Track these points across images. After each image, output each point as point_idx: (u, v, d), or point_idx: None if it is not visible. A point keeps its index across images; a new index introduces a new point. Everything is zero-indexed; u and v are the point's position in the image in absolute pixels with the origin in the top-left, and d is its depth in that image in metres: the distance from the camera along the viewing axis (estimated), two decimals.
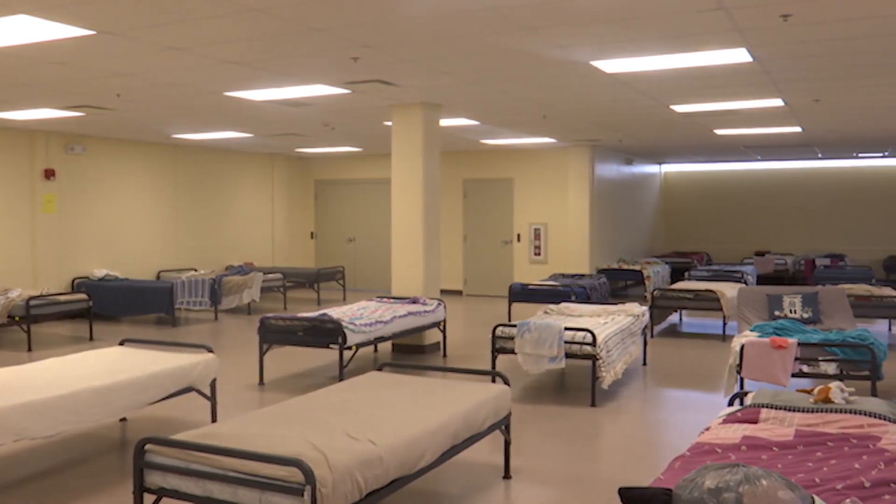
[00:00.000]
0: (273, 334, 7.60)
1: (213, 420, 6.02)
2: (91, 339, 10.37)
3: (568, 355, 6.88)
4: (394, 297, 9.15)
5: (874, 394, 6.12)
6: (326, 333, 7.32)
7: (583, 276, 12.95)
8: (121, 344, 6.49)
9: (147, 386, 5.31)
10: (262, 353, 7.65)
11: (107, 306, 11.62)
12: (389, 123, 11.13)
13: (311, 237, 17.77)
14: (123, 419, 6.39)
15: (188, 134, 12.50)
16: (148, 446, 3.58)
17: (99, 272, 12.29)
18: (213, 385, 5.97)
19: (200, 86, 7.97)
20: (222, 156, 15.40)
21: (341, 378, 7.08)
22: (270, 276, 13.51)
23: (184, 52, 6.35)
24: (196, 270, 14.11)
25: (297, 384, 7.73)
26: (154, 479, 3.58)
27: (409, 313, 8.38)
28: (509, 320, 11.65)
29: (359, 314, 8.01)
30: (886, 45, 6.12)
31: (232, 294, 12.31)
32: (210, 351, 6.07)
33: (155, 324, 11.92)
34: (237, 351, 9.53)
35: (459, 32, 5.73)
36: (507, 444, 4.98)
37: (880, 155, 17.08)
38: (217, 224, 15.25)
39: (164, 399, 5.50)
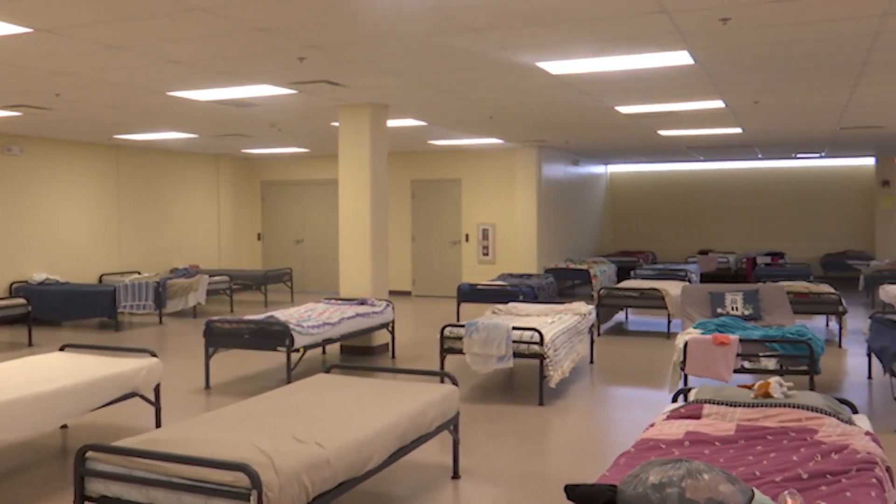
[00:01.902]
0: (219, 337, 7.51)
1: (158, 425, 5.91)
2: (30, 344, 10.12)
3: (516, 354, 6.93)
4: (342, 299, 9.11)
5: (812, 388, 6.29)
6: (273, 336, 7.25)
7: (531, 275, 13.05)
8: (61, 349, 6.34)
9: (89, 392, 5.20)
10: (207, 357, 7.54)
11: (46, 311, 11.33)
12: (337, 124, 11.08)
13: (258, 239, 17.58)
14: (64, 426, 6.24)
15: (131, 134, 12.27)
16: (89, 453, 3.51)
17: (38, 276, 11.99)
18: (157, 390, 5.87)
19: (143, 85, 7.84)
20: (166, 156, 15.15)
21: (289, 381, 7.02)
22: (216, 278, 13.33)
23: (125, 50, 6.23)
24: (139, 273, 13.86)
25: (244, 388, 7.65)
26: (96, 486, 3.50)
27: (358, 315, 8.35)
28: (458, 320, 11.68)
29: (306, 316, 7.95)
30: (821, 49, 6.29)
31: (177, 297, 12.11)
32: (154, 355, 5.97)
33: (97, 328, 11.67)
34: (182, 355, 9.39)
35: (406, 33, 5.73)
36: (456, 444, 4.99)
37: (817, 155, 17.55)
38: (161, 226, 14.99)
39: (106, 405, 5.38)
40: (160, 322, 12.15)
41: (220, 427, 3.89)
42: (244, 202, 17.45)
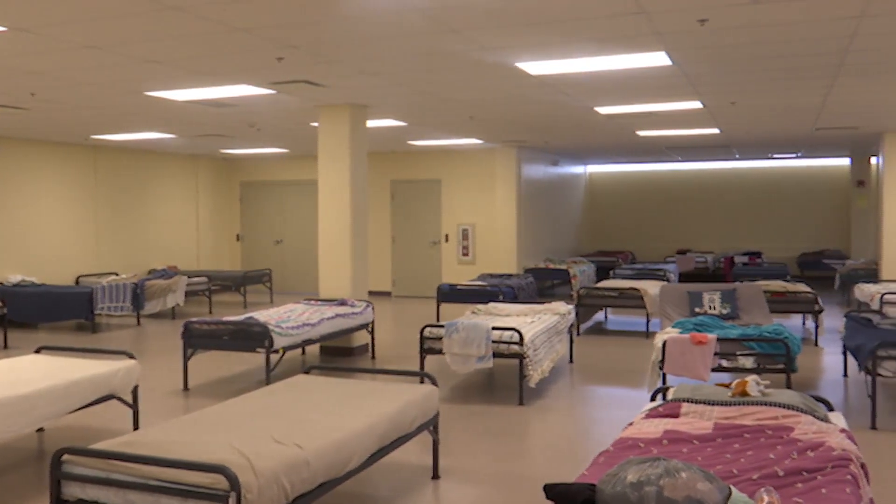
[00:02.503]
0: (198, 339, 7.46)
1: (136, 428, 5.87)
2: (6, 346, 10.01)
3: (496, 354, 6.94)
4: (321, 300, 9.09)
5: (789, 386, 6.34)
6: (253, 337, 7.22)
7: (510, 275, 13.07)
8: (37, 352, 6.27)
9: (65, 394, 5.15)
10: (186, 359, 7.50)
11: (22, 313, 11.20)
12: (316, 124, 11.04)
13: (238, 239, 17.49)
14: (41, 429, 6.18)
15: (108, 135, 12.17)
16: (65, 456, 3.47)
17: (14, 277, 11.85)
18: (134, 392, 5.82)
19: (120, 85, 7.77)
20: (144, 157, 15.03)
21: (268, 382, 6.99)
22: (195, 279, 13.25)
23: (102, 50, 6.18)
24: (117, 275, 13.74)
25: (223, 389, 7.61)
26: (72, 490, 3.47)
27: (337, 315, 8.33)
28: (438, 321, 11.68)
29: (286, 317, 7.92)
30: (798, 51, 6.35)
31: (155, 298, 12.03)
32: (131, 357, 5.92)
33: (74, 330, 11.57)
34: (161, 357, 9.32)
35: (385, 33, 5.72)
36: (436, 444, 4.99)
37: (794, 155, 17.72)
38: (139, 227, 14.87)
39: (83, 407, 5.34)
40: (138, 324, 12.06)
41: (199, 429, 3.86)
42: (223, 203, 17.35)
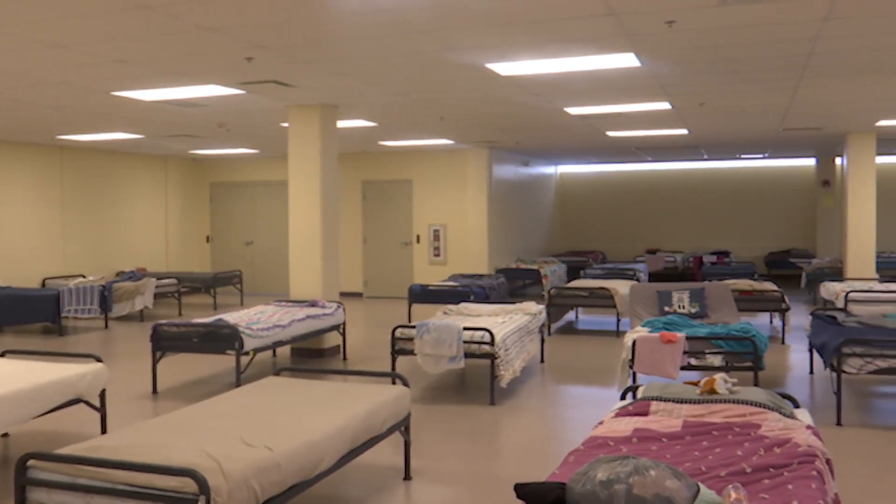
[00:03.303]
0: (166, 341, 7.39)
1: (103, 432, 5.80)
2: None
3: (467, 355, 6.95)
4: (292, 301, 9.04)
5: (756, 384, 6.42)
6: (222, 339, 7.17)
7: (482, 276, 13.10)
8: (2, 355, 6.17)
9: (31, 399, 5.07)
10: (154, 361, 7.42)
11: None
12: (286, 125, 10.99)
13: (207, 241, 17.35)
14: (5, 434, 6.08)
15: (75, 135, 12.01)
16: (31, 462, 3.42)
17: None
18: (102, 396, 5.75)
19: (86, 85, 7.68)
20: (112, 157, 14.86)
21: (238, 384, 6.95)
22: (164, 281, 13.13)
23: (68, 49, 6.10)
24: (84, 277, 13.56)
25: (193, 392, 7.54)
26: (38, 496, 3.42)
27: (308, 316, 8.30)
28: (409, 321, 11.67)
29: (256, 319, 7.87)
30: (764, 52, 6.43)
31: (123, 301, 11.90)
32: (99, 360, 5.85)
33: (40, 334, 11.40)
34: (129, 360, 9.22)
35: (355, 34, 5.71)
36: (407, 445, 4.99)
37: (761, 156, 17.94)
38: (107, 228, 14.70)
39: (49, 412, 5.26)
40: (106, 326, 11.92)
41: (168, 432, 3.83)
42: (192, 204, 17.20)
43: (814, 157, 18.35)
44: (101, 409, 5.75)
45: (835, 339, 6.31)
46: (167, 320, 7.46)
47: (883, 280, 12.14)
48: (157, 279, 13.01)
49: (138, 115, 9.83)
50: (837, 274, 13.78)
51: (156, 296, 12.72)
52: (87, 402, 5.58)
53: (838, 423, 6.16)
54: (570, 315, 12.80)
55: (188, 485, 3.13)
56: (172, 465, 3.18)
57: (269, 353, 9.49)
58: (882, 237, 18.03)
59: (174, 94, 8.20)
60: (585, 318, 12.55)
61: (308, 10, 5.04)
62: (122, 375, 8.31)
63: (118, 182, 15.01)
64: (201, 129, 11.44)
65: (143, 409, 6.91)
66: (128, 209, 15.25)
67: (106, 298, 11.59)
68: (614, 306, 10.74)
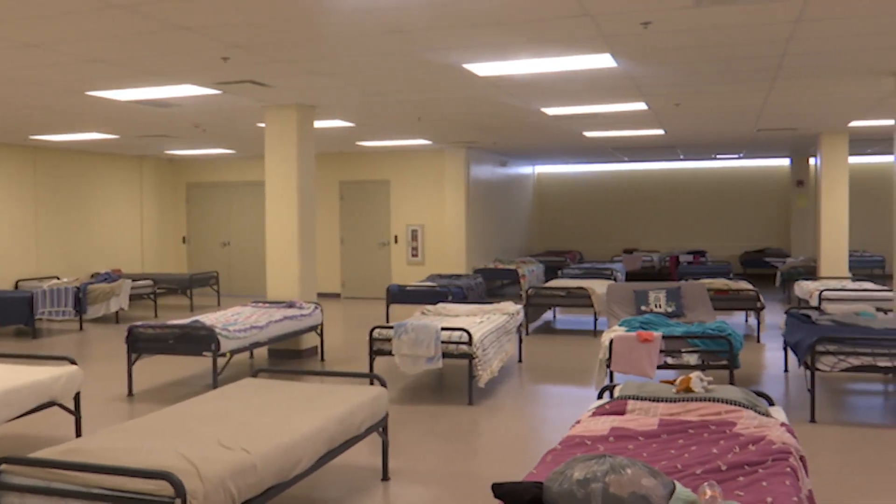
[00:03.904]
0: (142, 343, 7.34)
1: (78, 435, 5.74)
2: None
3: (445, 355, 6.95)
4: (269, 302, 9.00)
5: (732, 382, 6.47)
6: (199, 340, 7.12)
7: (460, 276, 13.11)
8: None
9: (4, 402, 5.01)
10: (130, 363, 7.36)
11: None
12: (263, 125, 10.94)
13: (184, 242, 17.23)
14: None
15: (48, 135, 11.89)
16: (4, 466, 3.38)
17: None
18: (77, 399, 5.70)
19: (60, 85, 7.60)
20: (86, 158, 14.71)
21: (215, 386, 6.90)
22: (140, 282, 13.02)
23: (41, 48, 6.03)
24: (59, 278, 13.41)
25: (169, 394, 7.49)
26: (11, 500, 3.38)
27: (286, 317, 8.27)
28: (387, 322, 11.66)
29: (233, 320, 7.83)
30: (738, 53, 6.49)
31: (98, 302, 11.78)
32: (73, 363, 5.79)
33: (13, 336, 11.27)
34: (104, 362, 9.14)
35: (332, 34, 5.69)
36: (385, 445, 4.98)
37: (736, 156, 18.10)
38: (81, 229, 14.55)
39: (23, 415, 5.20)
40: (81, 328, 11.80)
41: (143, 435, 3.80)
42: (168, 204, 17.07)
43: (788, 157, 18.54)
44: (76, 412, 5.70)
45: (809, 337, 6.38)
46: (143, 322, 7.40)
47: (856, 279, 12.30)
48: (133, 280, 12.90)
49: (113, 115, 9.75)
50: (811, 273, 13.94)
51: (131, 297, 12.61)
52: (61, 405, 5.53)
53: (812, 421, 6.22)
54: (548, 315, 12.85)
55: (164, 488, 3.11)
56: (148, 468, 3.15)
57: (247, 354, 9.44)
58: (855, 236, 18.26)
59: (149, 94, 8.13)
60: (563, 317, 12.59)
61: (284, 9, 5.02)
62: (98, 378, 8.23)
63: (93, 182, 14.87)
64: (177, 129, 11.36)
65: (119, 411, 6.85)
66: (102, 210, 15.11)
67: (80, 300, 11.48)
68: (592, 306, 10.79)
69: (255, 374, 5.39)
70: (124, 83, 7.55)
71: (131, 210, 15.91)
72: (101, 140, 12.73)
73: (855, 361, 6.09)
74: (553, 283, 11.93)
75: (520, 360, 8.91)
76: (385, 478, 5.01)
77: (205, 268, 17.03)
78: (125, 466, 3.18)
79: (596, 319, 11.12)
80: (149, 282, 13.24)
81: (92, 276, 14.36)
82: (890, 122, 11.27)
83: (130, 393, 7.43)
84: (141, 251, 16.18)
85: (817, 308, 8.25)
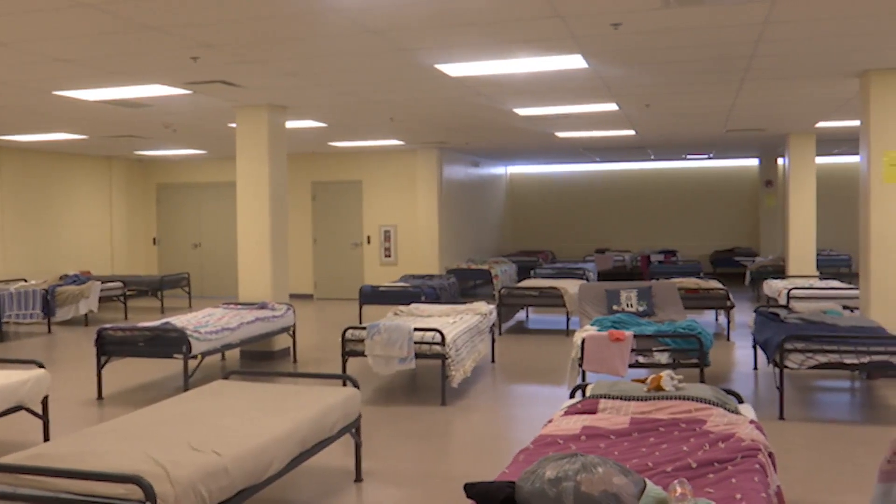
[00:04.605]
0: (112, 346, 7.26)
1: (46, 439, 5.67)
2: None
3: (418, 355, 6.95)
4: (241, 303, 8.94)
5: (702, 380, 6.54)
6: (170, 343, 7.06)
7: (433, 276, 13.11)
8: None
9: None
10: (99, 366, 7.28)
11: None
12: (234, 125, 10.86)
13: (154, 243, 17.06)
14: None
15: (14, 135, 11.71)
16: None
17: None
18: (45, 402, 5.62)
19: (27, 84, 7.50)
20: (54, 158, 14.52)
21: (186, 389, 6.85)
22: (109, 284, 12.87)
23: (6, 47, 5.95)
24: (26, 281, 13.23)
25: (139, 397, 7.41)
26: None
27: (257, 319, 8.22)
28: (360, 323, 11.63)
29: (204, 322, 7.77)
30: (708, 55, 6.56)
31: (67, 305, 11.63)
32: (41, 366, 5.72)
33: None
34: (73, 365, 9.02)
35: (303, 34, 5.67)
36: (358, 446, 4.97)
37: (706, 156, 18.28)
38: (49, 231, 14.36)
39: None
40: (49, 332, 11.64)
41: (113, 438, 3.76)
42: (138, 205, 16.89)
43: (757, 157, 18.76)
44: (44, 417, 5.62)
45: (777, 335, 6.46)
46: (112, 324, 7.32)
47: (823, 277, 12.47)
48: (102, 282, 12.75)
49: (81, 115, 9.63)
50: (780, 272, 14.11)
51: (101, 299, 12.46)
52: (28, 410, 5.45)
53: (781, 418, 6.30)
54: (521, 315, 12.89)
55: (134, 492, 3.08)
56: (117, 472, 3.12)
57: (218, 356, 9.37)
58: (822, 236, 18.52)
59: (118, 94, 8.05)
60: (536, 317, 12.64)
61: (255, 9, 4.99)
62: (66, 381, 8.13)
63: (60, 184, 14.68)
64: (146, 129, 11.25)
65: (88, 415, 6.77)
66: (71, 211, 14.92)
67: (49, 303, 11.33)
68: (564, 305, 10.84)
69: (226, 376, 5.36)
70: (92, 83, 7.47)
71: (100, 211, 15.73)
72: (68, 140, 12.57)
73: (822, 359, 6.17)
74: (526, 282, 11.97)
75: (493, 360, 8.93)
76: (358, 479, 5.00)
77: (175, 269, 16.88)
78: (94, 470, 3.14)
79: (568, 319, 11.17)
80: (118, 284, 13.09)
81: (60, 278, 14.15)
82: (856, 122, 11.44)
83: (100, 396, 7.35)
84: (110, 253, 15.99)
85: (786, 306, 8.35)
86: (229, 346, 7.65)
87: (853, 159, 18.48)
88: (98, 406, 7.09)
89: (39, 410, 5.60)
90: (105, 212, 15.87)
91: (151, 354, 7.14)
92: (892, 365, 6.03)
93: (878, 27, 5.71)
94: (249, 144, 9.10)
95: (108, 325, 7.35)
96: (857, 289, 10.12)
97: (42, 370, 5.60)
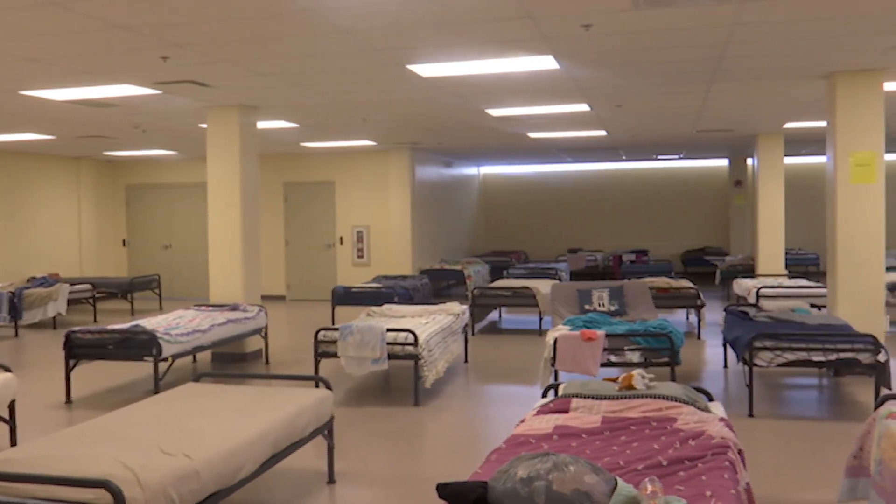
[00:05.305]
0: (81, 348, 7.17)
1: (13, 444, 5.58)
2: None
3: (391, 356, 6.95)
4: (212, 305, 8.87)
5: (673, 378, 6.59)
6: (140, 345, 6.99)
7: (405, 277, 13.10)
8: None
9: None
10: (68, 370, 7.18)
11: None
12: (205, 126, 10.78)
13: (124, 245, 16.88)
14: None
15: None
16: None
17: None
18: (11, 407, 5.54)
19: None
20: (21, 159, 14.31)
21: (157, 392, 6.78)
22: (78, 286, 12.71)
23: None
24: None
25: (109, 400, 7.33)
26: None
27: (229, 321, 8.16)
28: (333, 324, 11.59)
29: (175, 324, 7.70)
30: (677, 56, 6.62)
31: (35, 308, 11.47)
32: (7, 370, 5.63)
33: None
34: (41, 369, 8.90)
35: (274, 33, 5.64)
36: (331, 448, 4.96)
37: (677, 157, 18.44)
38: (16, 233, 14.15)
39: None
40: (16, 335, 11.48)
41: (82, 442, 3.71)
42: (107, 206, 16.70)
43: (726, 157, 18.96)
44: (10, 421, 5.54)
45: (747, 333, 6.53)
46: (81, 327, 7.23)
47: (791, 276, 12.63)
48: (71, 285, 12.59)
49: (48, 115, 9.50)
50: (749, 271, 14.26)
51: (70, 302, 12.31)
52: None
53: (750, 415, 6.37)
54: (494, 315, 12.91)
55: (103, 496, 3.05)
56: (86, 477, 3.09)
57: (189, 358, 9.29)
58: (790, 235, 18.76)
59: (86, 94, 7.95)
60: (509, 317, 12.67)
61: (225, 9, 4.96)
62: (34, 385, 8.02)
63: (27, 185, 14.47)
64: (115, 130, 11.13)
65: (56, 419, 6.68)
66: (38, 213, 14.71)
67: (16, 305, 11.17)
68: (537, 305, 10.88)
69: (197, 379, 5.31)
70: (60, 82, 7.37)
71: (69, 213, 15.53)
72: (36, 141, 12.40)
73: (791, 357, 6.25)
74: (498, 283, 12.00)
75: (466, 361, 8.94)
76: (331, 481, 4.98)
77: (146, 271, 16.71)
78: (62, 475, 3.11)
79: (541, 319, 11.21)
80: (87, 286, 12.94)
81: (28, 280, 13.95)
82: (822, 123, 11.60)
83: (69, 400, 7.25)
84: (79, 254, 15.80)
85: (755, 305, 8.45)
86: (200, 349, 7.59)
87: (820, 160, 18.74)
88: (67, 410, 7.00)
89: (6, 415, 5.51)
90: (73, 213, 15.67)
91: (121, 357, 7.06)
92: (858, 362, 6.12)
93: (844, 30, 5.79)
94: (220, 145, 9.04)
95: (76, 328, 7.26)
96: (824, 287, 10.27)
97: (9, 374, 5.52)
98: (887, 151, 17.16)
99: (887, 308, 8.85)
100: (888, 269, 11.68)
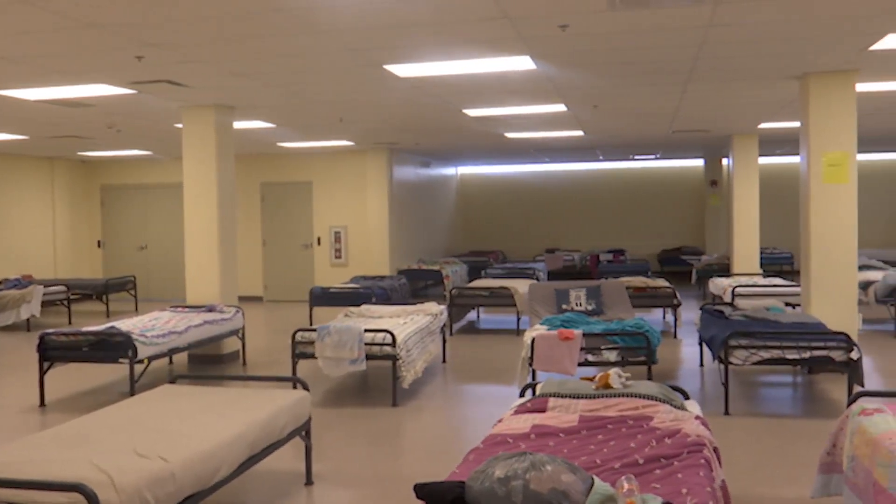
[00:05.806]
0: (55, 351, 7.09)
1: None
2: None
3: (368, 357, 6.94)
4: (189, 306, 8.81)
5: (650, 377, 6.64)
6: (115, 347, 6.93)
7: (383, 277, 13.08)
8: None
9: None
10: (42, 372, 7.10)
11: None
12: (181, 125, 10.70)
13: (99, 246, 16.72)
14: None
15: None
16: None
17: None
18: None
19: None
20: None
21: (132, 394, 6.73)
22: (52, 288, 12.57)
23: None
24: None
25: (84, 403, 7.26)
26: None
27: (206, 322, 8.11)
28: (310, 325, 11.55)
29: (151, 325, 7.64)
30: (653, 57, 6.66)
31: (7, 310, 11.33)
32: None
33: None
34: (14, 371, 8.80)
35: (250, 33, 5.61)
36: (308, 449, 4.94)
37: (653, 157, 18.55)
38: None
39: None
40: None
41: (55, 446, 3.67)
42: (82, 207, 16.53)
43: (702, 157, 19.10)
44: None
45: (722, 332, 6.59)
46: (56, 329, 7.15)
47: (766, 275, 12.75)
48: (45, 286, 12.45)
49: (21, 115, 9.39)
50: (725, 270, 14.38)
51: (44, 304, 12.17)
52: None
53: (726, 413, 6.43)
54: (472, 315, 12.93)
55: (77, 500, 3.01)
56: (59, 481, 3.06)
57: (165, 360, 9.22)
58: (765, 234, 18.94)
59: (60, 94, 7.87)
60: (486, 317, 12.69)
61: (201, 8, 4.93)
62: (7, 388, 7.92)
63: (0, 185, 14.28)
64: (90, 129, 11.02)
65: (30, 422, 6.61)
66: (11, 213, 14.53)
67: None
68: (514, 305, 10.90)
69: (173, 381, 5.27)
70: (33, 82, 7.29)
71: (42, 214, 15.35)
72: (8, 141, 12.25)
73: (765, 355, 6.31)
74: (476, 283, 12.01)
75: (444, 361, 8.95)
76: (308, 482, 4.96)
77: (121, 272, 16.56)
78: (35, 479, 3.07)
79: (519, 318, 11.24)
80: (62, 287, 12.80)
81: (1, 282, 13.80)
82: (796, 124, 11.73)
83: (42, 403, 7.17)
84: (53, 256, 15.63)
85: (730, 304, 8.52)
86: (177, 350, 7.54)
87: (795, 160, 18.93)
88: (40, 413, 6.92)
89: None
90: (47, 214, 15.49)
91: (96, 359, 7.00)
92: (831, 360, 6.20)
93: (817, 32, 5.86)
94: (196, 145, 8.98)
95: (51, 330, 7.18)
96: (798, 286, 10.38)
97: None
98: (860, 152, 17.38)
99: (860, 306, 8.95)
100: (861, 267, 11.83)
